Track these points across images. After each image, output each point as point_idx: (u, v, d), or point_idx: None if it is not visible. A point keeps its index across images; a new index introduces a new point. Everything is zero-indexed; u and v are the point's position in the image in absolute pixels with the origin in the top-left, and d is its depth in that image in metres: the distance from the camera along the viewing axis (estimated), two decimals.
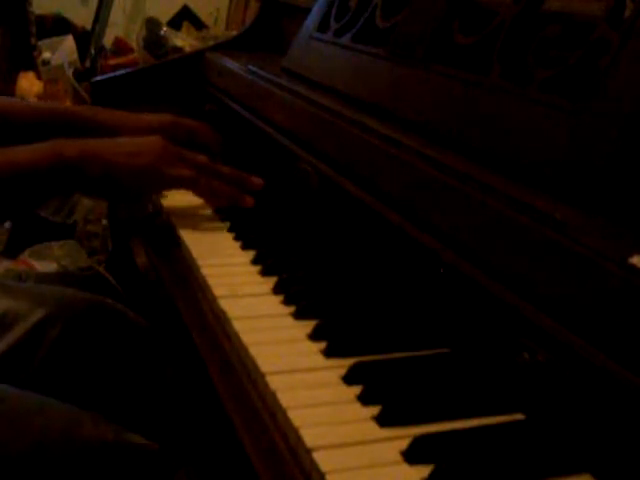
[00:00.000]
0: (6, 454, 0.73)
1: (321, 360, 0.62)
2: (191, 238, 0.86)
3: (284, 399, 0.56)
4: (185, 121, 1.08)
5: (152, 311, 1.06)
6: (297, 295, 0.71)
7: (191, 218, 0.93)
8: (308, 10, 1.17)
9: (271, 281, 0.75)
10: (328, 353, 0.63)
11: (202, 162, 0.92)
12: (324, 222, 0.89)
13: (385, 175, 0.78)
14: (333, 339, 0.64)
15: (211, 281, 0.75)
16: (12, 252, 1.85)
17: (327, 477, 0.48)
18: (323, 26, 1.10)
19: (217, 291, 0.73)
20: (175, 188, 0.93)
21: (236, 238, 0.87)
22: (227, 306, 0.70)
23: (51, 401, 0.81)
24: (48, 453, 0.75)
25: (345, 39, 1.03)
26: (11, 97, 2.14)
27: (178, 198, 0.98)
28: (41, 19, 2.94)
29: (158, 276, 0.87)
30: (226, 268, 0.79)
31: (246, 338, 0.65)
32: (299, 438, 0.52)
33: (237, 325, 0.67)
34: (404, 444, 0.51)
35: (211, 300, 0.74)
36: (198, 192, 0.93)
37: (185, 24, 2.95)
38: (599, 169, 0.59)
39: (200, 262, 0.80)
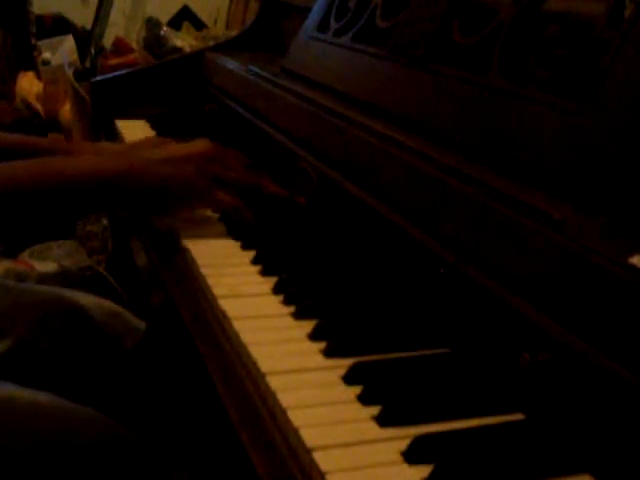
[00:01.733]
0: (3, 450, 0.73)
1: (321, 360, 0.62)
2: (191, 238, 0.86)
3: (284, 399, 0.56)
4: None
5: (152, 311, 1.06)
6: (297, 295, 0.71)
7: (191, 218, 0.93)
8: (308, 10, 1.17)
9: (271, 281, 0.75)
10: (328, 353, 0.62)
11: (241, 179, 0.91)
12: (324, 222, 0.88)
13: (385, 175, 0.78)
14: (333, 339, 0.64)
15: (211, 281, 0.75)
16: (12, 252, 1.85)
17: (327, 477, 0.48)
18: (323, 26, 1.10)
19: (217, 291, 0.73)
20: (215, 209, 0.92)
21: (236, 238, 0.87)
22: (227, 306, 0.70)
23: (50, 398, 0.81)
24: (46, 450, 0.75)
25: (345, 39, 1.03)
26: None
27: None
28: (41, 19, 2.94)
29: (158, 276, 0.87)
30: (226, 268, 0.79)
31: (246, 338, 0.65)
32: (299, 438, 0.52)
33: (237, 325, 0.67)
34: (404, 444, 0.51)
35: (211, 300, 0.73)
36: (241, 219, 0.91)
37: (185, 24, 2.95)
38: (599, 169, 0.59)
39: (200, 262, 0.80)
